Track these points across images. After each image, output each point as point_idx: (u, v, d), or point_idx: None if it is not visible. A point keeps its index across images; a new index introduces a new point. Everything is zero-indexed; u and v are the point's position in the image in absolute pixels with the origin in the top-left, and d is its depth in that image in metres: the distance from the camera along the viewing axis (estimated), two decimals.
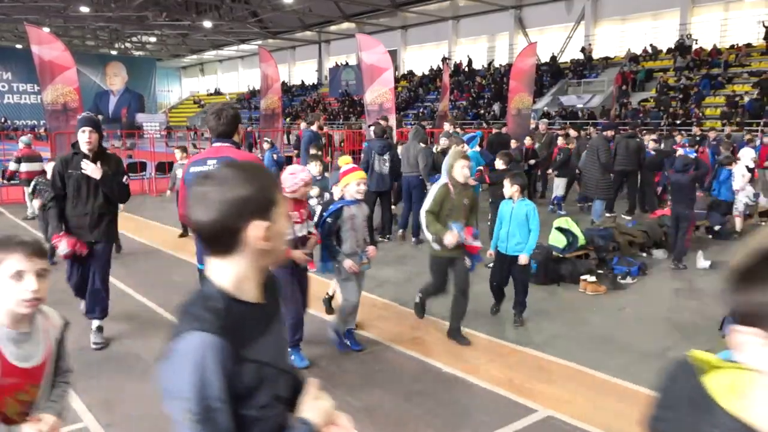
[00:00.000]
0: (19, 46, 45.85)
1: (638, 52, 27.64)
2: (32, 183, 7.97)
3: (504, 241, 5.43)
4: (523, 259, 5.30)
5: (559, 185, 11.65)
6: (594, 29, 30.14)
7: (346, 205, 4.67)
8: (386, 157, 8.54)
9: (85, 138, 4.70)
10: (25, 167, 10.18)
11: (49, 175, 6.88)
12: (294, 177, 4.36)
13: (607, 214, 10.01)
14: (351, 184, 4.69)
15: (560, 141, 12.14)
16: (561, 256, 7.04)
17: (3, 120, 43.88)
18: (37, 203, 7.55)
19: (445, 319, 5.52)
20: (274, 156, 11.93)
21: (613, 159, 10.11)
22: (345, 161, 4.92)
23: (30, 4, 33.28)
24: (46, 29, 21.90)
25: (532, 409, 3.88)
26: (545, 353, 4.81)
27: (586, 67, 29.06)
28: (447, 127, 10.92)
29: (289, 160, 13.23)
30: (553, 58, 30.90)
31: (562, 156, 11.61)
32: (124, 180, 4.94)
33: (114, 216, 4.96)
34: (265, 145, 12.41)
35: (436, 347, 4.90)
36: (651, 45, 27.36)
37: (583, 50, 29.65)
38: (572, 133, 12.81)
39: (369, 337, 5.12)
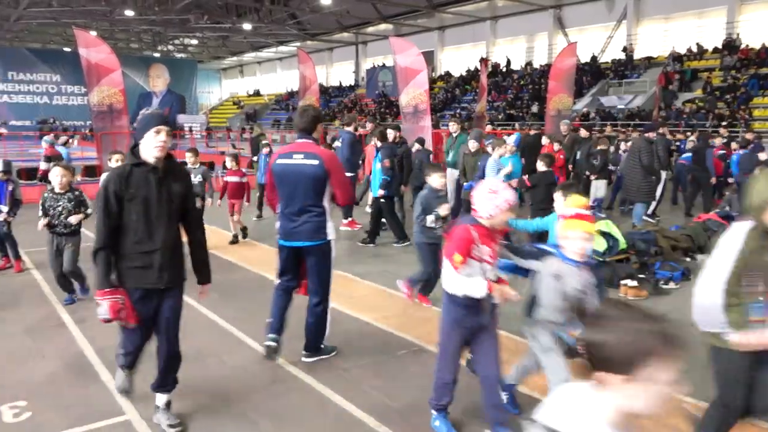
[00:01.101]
0: (67, 49, 47.41)
1: (683, 51, 26.94)
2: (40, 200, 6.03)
3: None
4: None
5: (598, 187, 11.45)
6: (636, 28, 29.51)
7: (559, 258, 3.28)
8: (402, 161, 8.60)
9: (159, 141, 3.22)
10: (47, 165, 10.58)
11: (57, 187, 5.77)
12: (495, 197, 3.17)
13: (648, 219, 9.78)
14: (571, 239, 3.24)
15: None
16: (601, 259, 6.91)
17: (52, 120, 45.45)
18: (43, 221, 5.79)
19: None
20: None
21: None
22: (577, 203, 3.65)
23: (78, 9, 34.38)
24: (93, 32, 22.60)
25: None
26: None
27: (628, 67, 28.48)
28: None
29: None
30: (594, 58, 30.37)
31: (601, 158, 11.41)
32: (197, 204, 3.83)
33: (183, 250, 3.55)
34: (265, 150, 10.63)
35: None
36: (697, 44, 26.64)
37: (624, 50, 29.07)
38: (583, 133, 12.24)
39: (407, 339, 5.12)
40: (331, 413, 3.86)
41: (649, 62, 27.74)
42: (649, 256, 7.19)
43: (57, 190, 5.79)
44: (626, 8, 29.31)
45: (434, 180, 5.62)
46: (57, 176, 5.79)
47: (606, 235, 7.04)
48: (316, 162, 4.25)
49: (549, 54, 32.20)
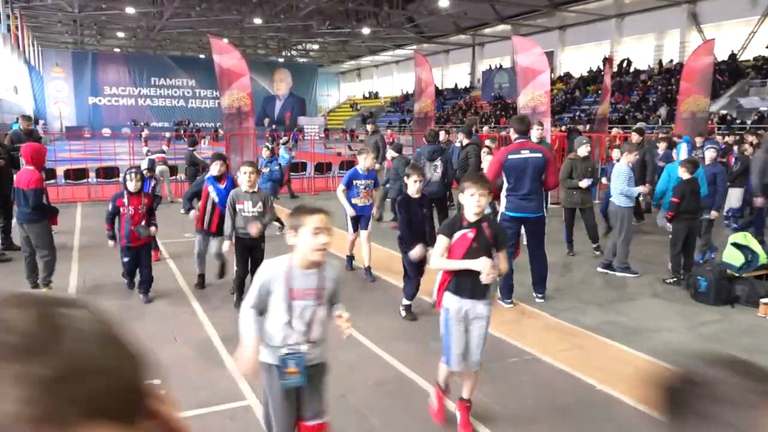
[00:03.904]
0: (201, 56, 51.22)
1: None
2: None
3: None
4: None
5: (733, 196, 10.55)
6: None
7: None
8: (437, 163, 8.23)
9: None
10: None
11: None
12: None
13: None
14: None
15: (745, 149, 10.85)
16: (737, 275, 6.36)
17: (187, 122, 49.27)
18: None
19: (600, 334, 5.25)
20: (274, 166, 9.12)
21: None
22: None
23: (212, 18, 37.00)
24: (225, 40, 24.21)
25: None
26: None
27: None
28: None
29: (280, 175, 10.84)
30: (732, 56, 27.98)
31: (740, 165, 10.52)
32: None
33: None
34: (264, 152, 9.39)
35: (589, 363, 4.66)
36: None
37: None
38: (635, 138, 10.64)
39: (519, 346, 5.01)
40: None
41: None
42: None
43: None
44: None
45: None
46: None
47: (743, 248, 6.47)
48: (539, 155, 5.89)
49: (681, 52, 30.12)
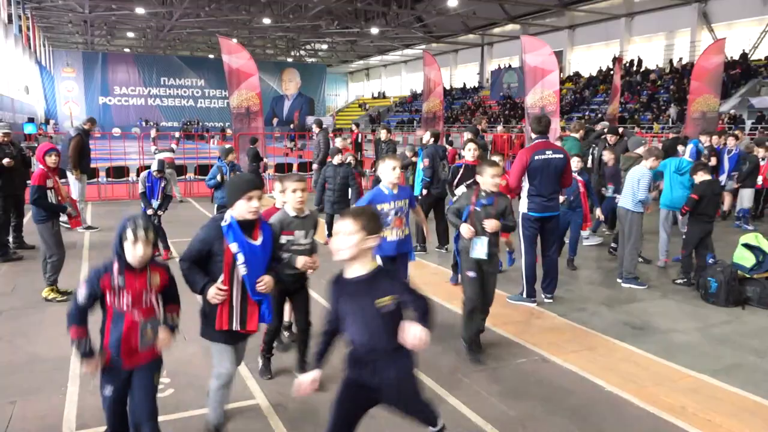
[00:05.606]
0: (211, 56, 51.42)
1: None
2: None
3: None
4: None
5: (744, 197, 10.48)
6: None
7: None
8: (445, 162, 8.21)
9: None
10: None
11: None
12: None
13: None
14: None
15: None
16: (748, 276, 6.31)
17: (196, 122, 49.51)
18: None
19: (609, 335, 5.23)
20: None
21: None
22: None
23: (221, 18, 37.16)
24: (234, 40, 24.29)
25: None
26: (724, 382, 4.34)
27: None
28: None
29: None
30: (744, 56, 27.76)
31: (749, 164, 10.45)
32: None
33: None
34: (231, 156, 8.73)
35: (597, 363, 4.64)
36: None
37: None
38: (612, 138, 10.59)
39: (526, 346, 5.00)
40: (448, 416, 3.85)
41: None
42: None
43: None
44: None
45: None
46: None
47: (754, 249, 6.43)
48: (561, 156, 5.94)
49: (691, 52, 29.93)
